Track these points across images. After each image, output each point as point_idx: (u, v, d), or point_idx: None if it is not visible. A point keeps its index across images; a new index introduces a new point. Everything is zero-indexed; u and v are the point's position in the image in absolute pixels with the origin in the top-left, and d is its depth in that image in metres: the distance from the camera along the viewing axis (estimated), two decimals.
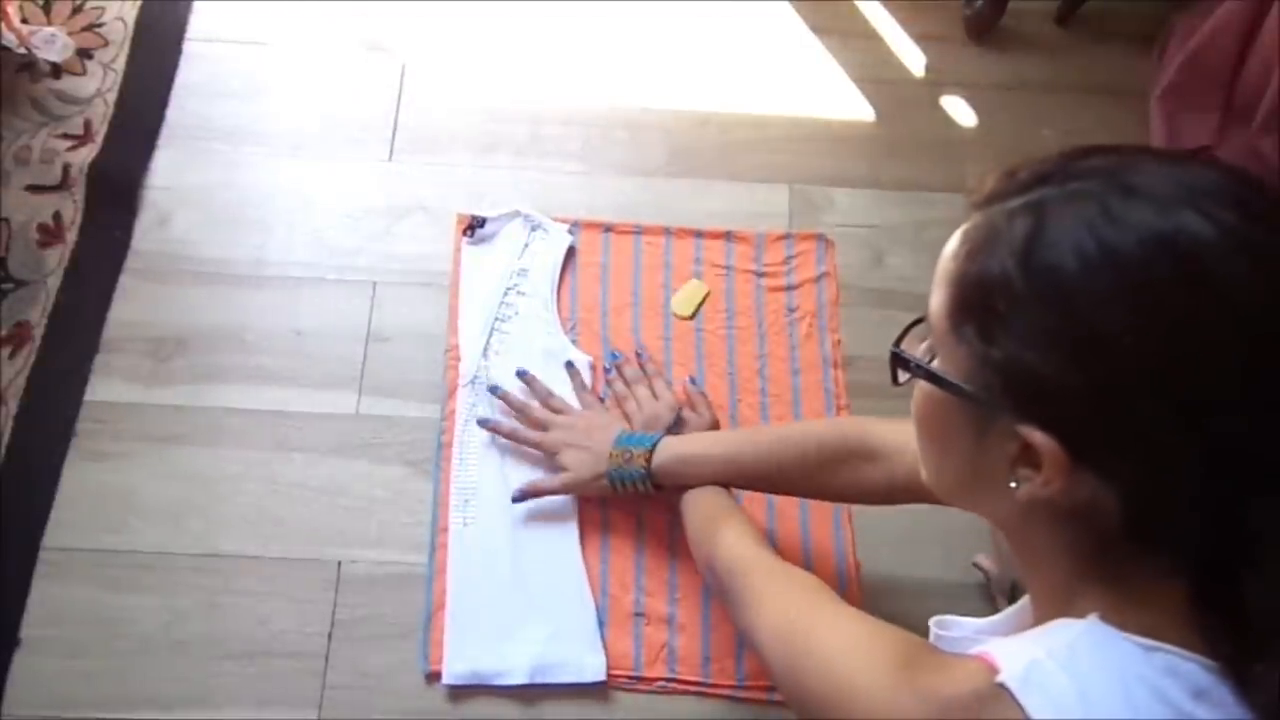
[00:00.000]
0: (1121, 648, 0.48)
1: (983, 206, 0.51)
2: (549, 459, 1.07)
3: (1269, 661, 0.45)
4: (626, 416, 1.10)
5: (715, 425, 1.10)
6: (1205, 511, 0.47)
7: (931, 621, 0.69)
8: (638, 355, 1.15)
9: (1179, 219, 0.45)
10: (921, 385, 0.56)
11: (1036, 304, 0.47)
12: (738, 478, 0.96)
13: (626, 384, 1.13)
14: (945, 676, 0.51)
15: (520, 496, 1.05)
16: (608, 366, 1.15)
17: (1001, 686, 0.47)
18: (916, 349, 0.56)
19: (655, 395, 1.10)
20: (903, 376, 0.57)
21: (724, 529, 0.88)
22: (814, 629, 0.63)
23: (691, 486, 0.96)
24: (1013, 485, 0.51)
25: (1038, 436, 0.48)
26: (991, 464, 0.52)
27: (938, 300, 0.53)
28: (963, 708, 0.49)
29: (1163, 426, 0.46)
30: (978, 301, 0.50)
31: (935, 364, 0.54)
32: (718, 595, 0.89)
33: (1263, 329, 0.45)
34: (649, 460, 0.97)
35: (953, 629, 0.67)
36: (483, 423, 1.09)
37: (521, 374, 1.13)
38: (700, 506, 0.95)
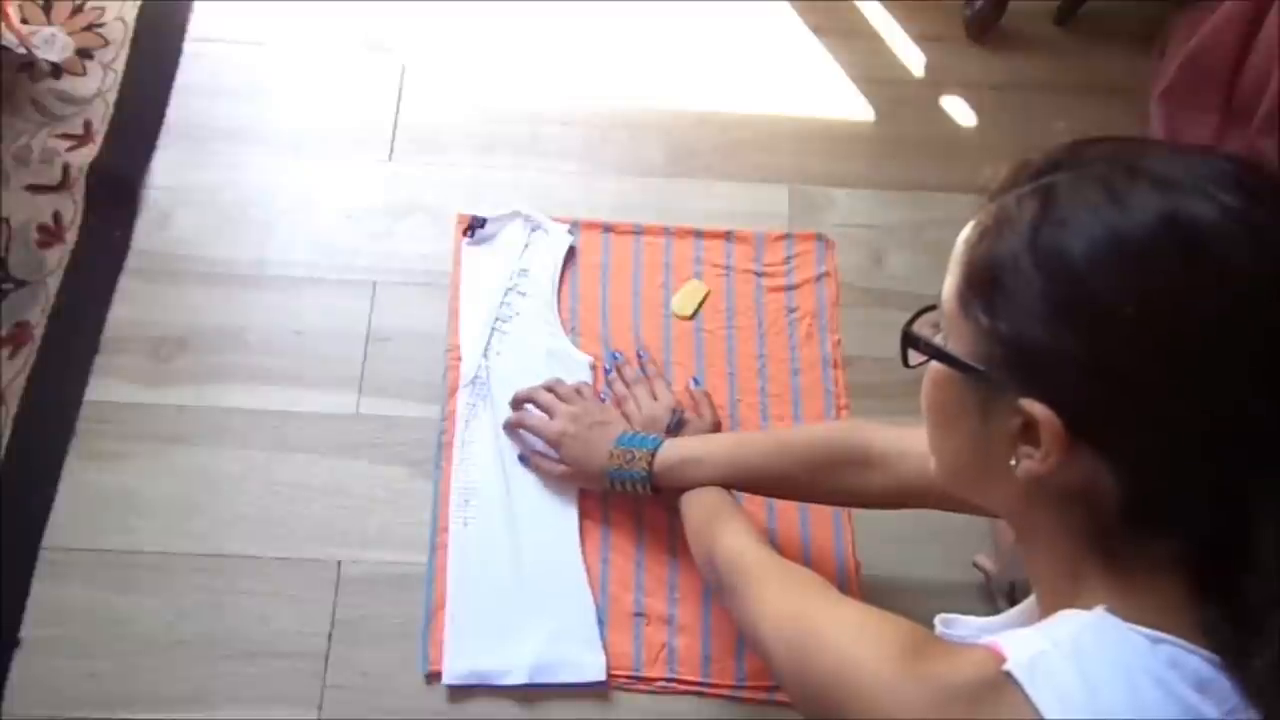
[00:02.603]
0: (1127, 639, 0.48)
1: (997, 196, 0.53)
2: (552, 447, 1.07)
3: (1265, 650, 0.45)
4: (626, 417, 1.10)
5: (718, 426, 1.10)
6: (1203, 491, 0.48)
7: (937, 619, 0.69)
8: (638, 356, 1.16)
9: (1183, 201, 0.46)
10: (930, 369, 0.57)
11: (1042, 280, 0.48)
12: (739, 481, 0.96)
13: (627, 385, 1.13)
14: (950, 664, 0.51)
15: (521, 447, 1.09)
16: (608, 367, 1.15)
17: (1007, 675, 0.47)
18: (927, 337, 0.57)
19: (655, 396, 1.10)
20: (914, 359, 0.57)
21: (724, 526, 0.88)
22: (817, 620, 0.63)
23: (690, 488, 0.96)
24: (1013, 464, 0.51)
25: (1038, 409, 0.48)
26: (995, 443, 0.52)
27: (949, 283, 0.54)
28: (968, 695, 0.49)
29: (1162, 402, 0.46)
30: (986, 279, 0.51)
31: (945, 344, 0.55)
32: (718, 592, 0.89)
33: (1265, 307, 0.45)
34: (651, 463, 0.97)
35: (957, 627, 0.68)
36: (515, 401, 1.11)
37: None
38: (700, 505, 0.95)
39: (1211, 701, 0.46)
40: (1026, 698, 0.46)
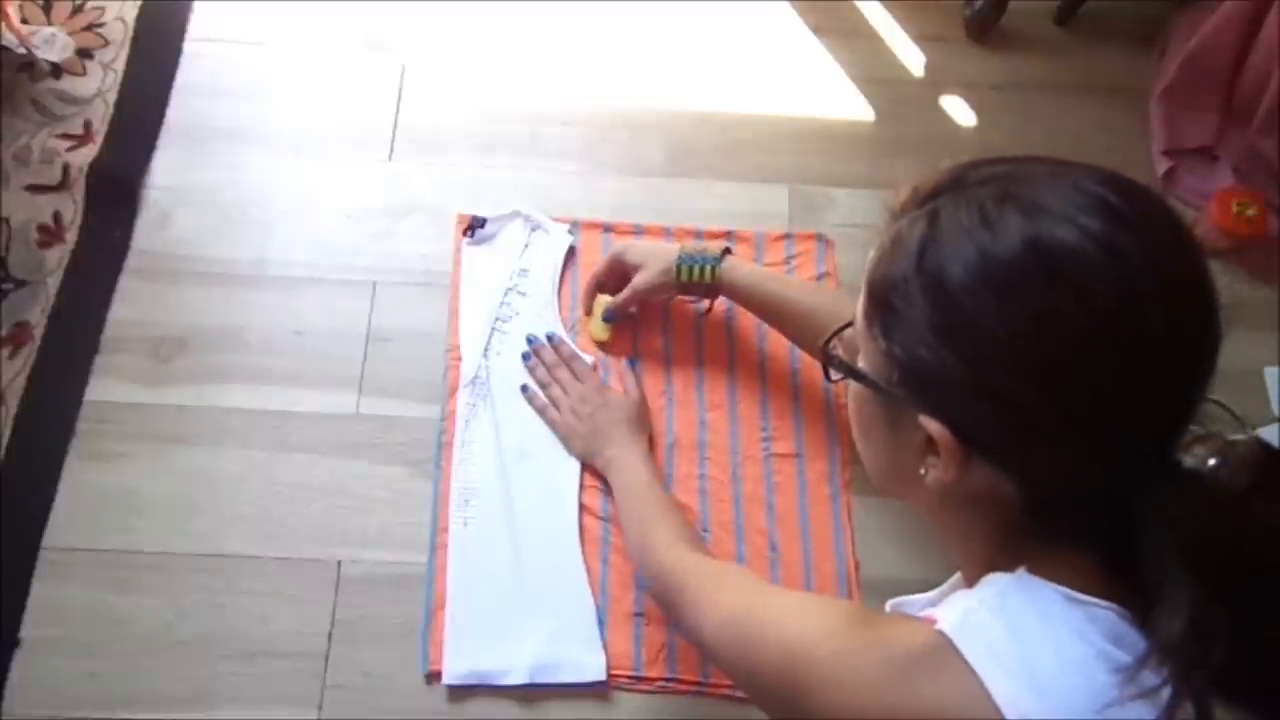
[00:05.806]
0: (1047, 594, 0.52)
1: (898, 217, 0.56)
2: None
3: (1173, 616, 0.48)
4: (553, 401, 1.11)
5: (643, 400, 1.11)
6: (1095, 496, 0.52)
7: (889, 603, 0.74)
8: (548, 338, 1.15)
9: (1047, 226, 0.49)
10: (850, 383, 0.60)
11: (925, 301, 0.51)
12: (774, 318, 1.05)
13: (548, 369, 1.14)
14: (891, 632, 0.55)
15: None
16: (525, 354, 1.15)
17: (940, 634, 0.51)
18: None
19: (578, 377, 1.12)
20: (834, 375, 0.62)
21: (655, 535, 0.90)
22: (761, 609, 0.66)
23: (745, 300, 1.06)
24: (922, 472, 0.55)
25: (934, 426, 0.52)
26: (905, 454, 0.56)
27: (859, 303, 0.58)
28: (910, 658, 0.52)
29: (1042, 420, 0.49)
30: (882, 301, 0.54)
31: (859, 362, 0.59)
32: (661, 606, 0.89)
33: (1126, 329, 0.48)
34: (722, 255, 1.06)
35: (907, 606, 0.72)
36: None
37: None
38: (633, 510, 0.97)
39: (1125, 651, 0.50)
40: (958, 652, 0.50)
